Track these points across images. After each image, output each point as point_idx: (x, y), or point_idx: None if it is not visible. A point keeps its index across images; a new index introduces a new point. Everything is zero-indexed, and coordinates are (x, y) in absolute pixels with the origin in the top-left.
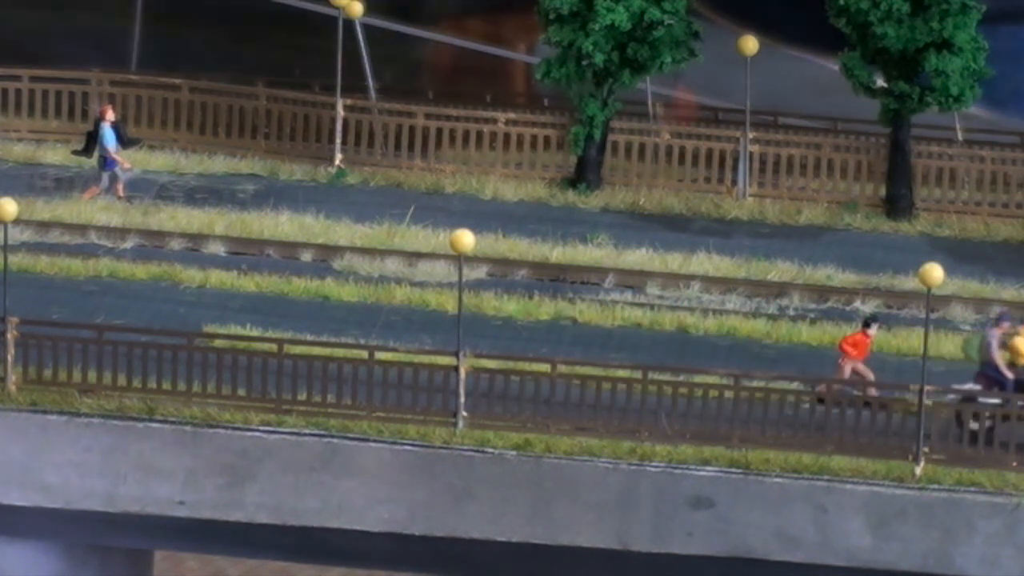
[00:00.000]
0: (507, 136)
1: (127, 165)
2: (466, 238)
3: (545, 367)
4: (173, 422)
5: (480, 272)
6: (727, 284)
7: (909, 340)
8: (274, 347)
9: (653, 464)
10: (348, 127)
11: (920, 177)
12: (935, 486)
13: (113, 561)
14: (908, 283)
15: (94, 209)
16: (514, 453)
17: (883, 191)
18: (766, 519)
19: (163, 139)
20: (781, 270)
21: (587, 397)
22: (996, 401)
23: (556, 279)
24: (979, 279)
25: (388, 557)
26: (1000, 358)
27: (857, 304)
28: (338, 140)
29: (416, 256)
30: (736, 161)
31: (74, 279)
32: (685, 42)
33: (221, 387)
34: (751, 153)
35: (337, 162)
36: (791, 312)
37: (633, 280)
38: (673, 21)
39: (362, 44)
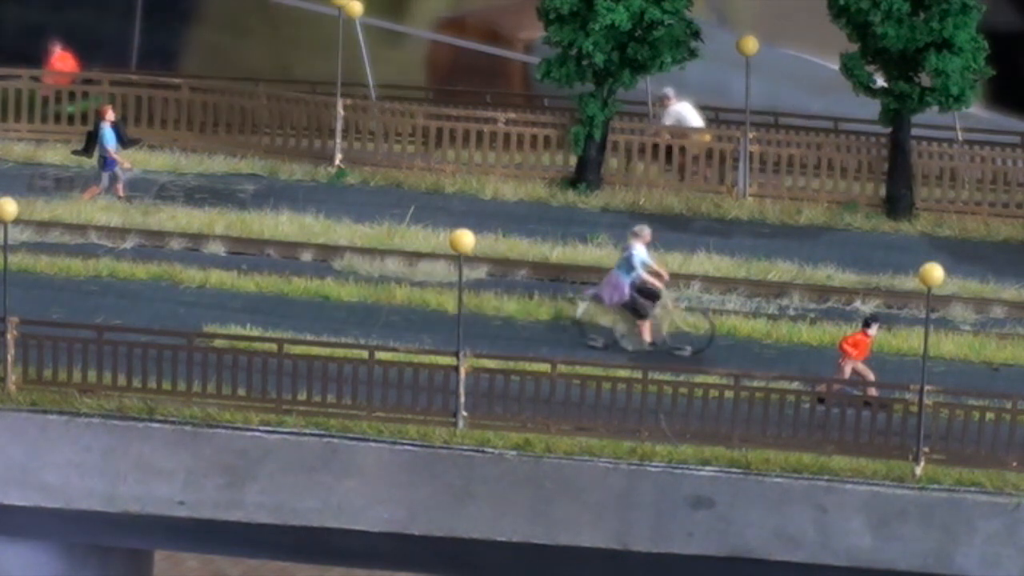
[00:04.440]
0: (507, 136)
1: (127, 165)
2: (466, 238)
3: (545, 367)
4: (173, 422)
5: (480, 272)
6: (727, 284)
7: (909, 340)
8: (274, 347)
9: (653, 464)
10: (348, 126)
11: (920, 177)
12: (935, 486)
13: (113, 561)
14: (908, 283)
15: (94, 209)
16: (514, 453)
17: (883, 191)
18: (766, 519)
19: (163, 139)
20: (781, 270)
21: (587, 397)
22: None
23: (556, 279)
24: (979, 279)
25: (388, 557)
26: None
27: (857, 304)
28: (338, 139)
29: (416, 256)
30: (736, 161)
31: (74, 279)
32: (685, 42)
33: (221, 387)
34: (751, 153)
35: (337, 162)
36: (791, 312)
37: None
38: (673, 21)
39: (362, 44)
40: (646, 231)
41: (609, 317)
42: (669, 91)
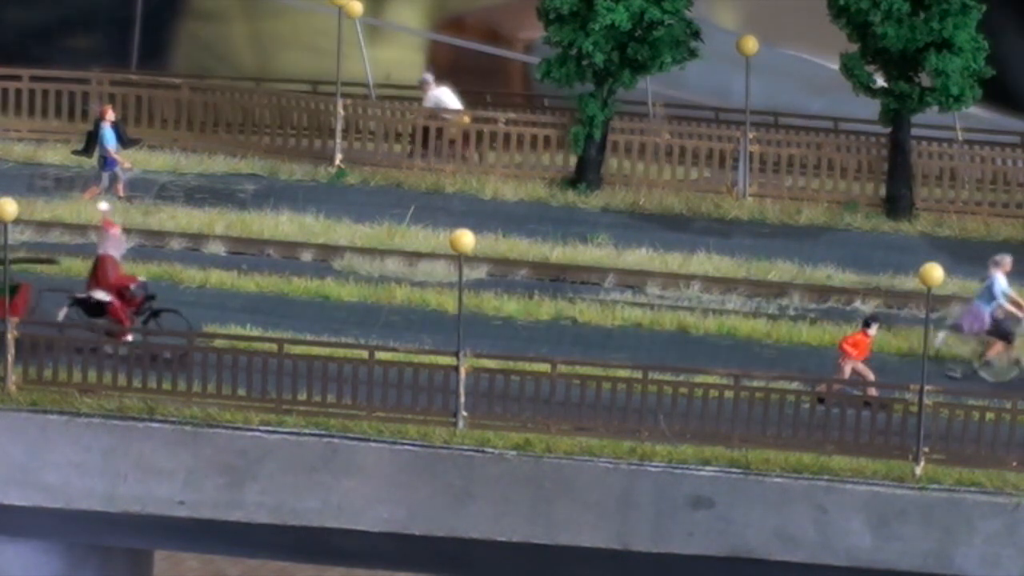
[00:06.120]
0: (507, 136)
1: (127, 165)
2: (466, 238)
3: (545, 367)
4: (173, 422)
5: (480, 272)
6: (727, 284)
7: (909, 340)
8: (274, 347)
9: (653, 464)
10: (349, 126)
11: (920, 177)
12: (935, 486)
13: (113, 561)
14: (908, 283)
15: (94, 209)
16: (514, 453)
17: (883, 191)
18: (766, 519)
19: (163, 139)
20: (781, 270)
21: (587, 397)
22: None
23: (556, 279)
24: (979, 279)
25: (388, 557)
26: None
27: (857, 304)
28: (338, 139)
29: (416, 256)
30: (736, 161)
31: (74, 279)
32: (685, 42)
33: (221, 387)
34: (751, 153)
35: (337, 162)
36: (791, 312)
37: (633, 280)
38: (673, 21)
39: (362, 44)
40: (1007, 260)
41: (968, 347)
42: (428, 76)
